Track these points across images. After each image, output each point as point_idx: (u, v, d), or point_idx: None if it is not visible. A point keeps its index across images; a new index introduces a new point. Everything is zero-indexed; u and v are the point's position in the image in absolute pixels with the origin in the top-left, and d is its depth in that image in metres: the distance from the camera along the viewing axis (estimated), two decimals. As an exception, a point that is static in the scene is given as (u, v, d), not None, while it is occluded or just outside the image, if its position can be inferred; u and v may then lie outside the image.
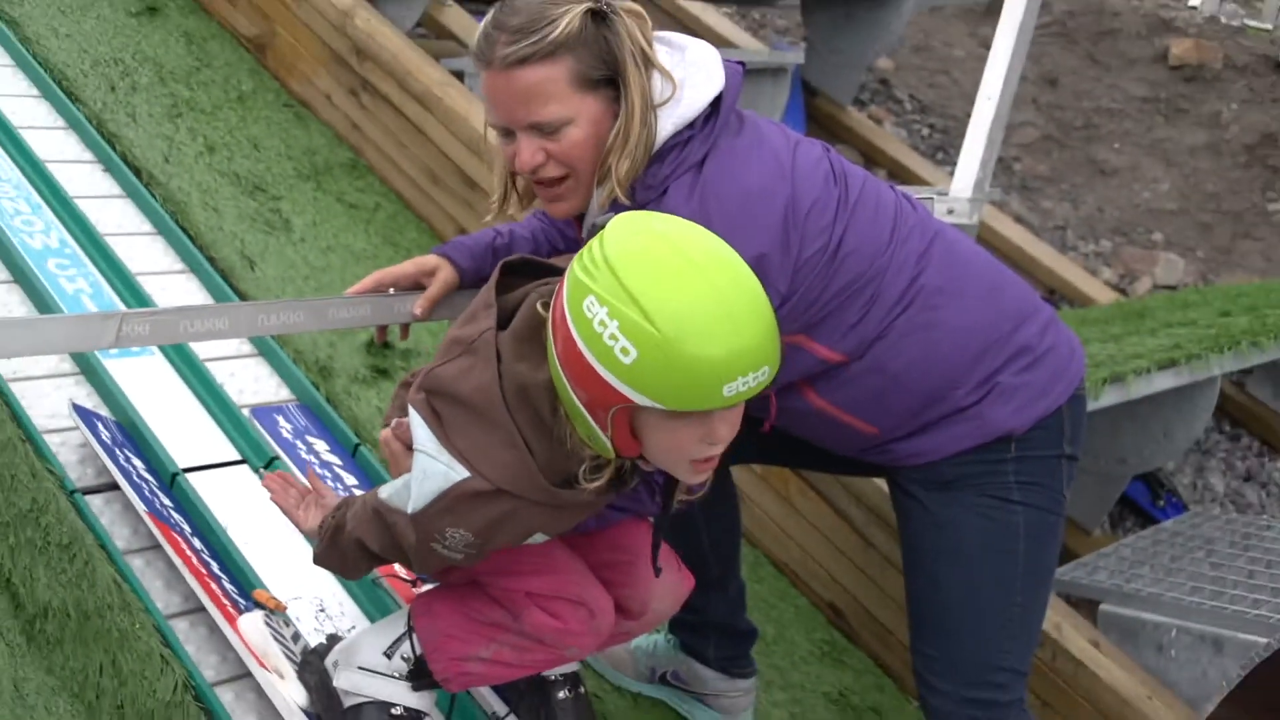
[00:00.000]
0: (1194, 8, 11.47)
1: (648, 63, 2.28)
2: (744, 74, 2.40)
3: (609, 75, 2.27)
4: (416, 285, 2.72)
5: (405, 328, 2.78)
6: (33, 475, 3.06)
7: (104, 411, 3.38)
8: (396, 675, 2.44)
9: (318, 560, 2.47)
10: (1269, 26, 11.04)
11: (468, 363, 2.15)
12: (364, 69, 4.78)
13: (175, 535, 2.92)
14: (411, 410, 2.20)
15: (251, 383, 3.67)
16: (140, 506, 2.95)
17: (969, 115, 4.87)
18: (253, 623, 2.70)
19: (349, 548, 2.35)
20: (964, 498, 2.49)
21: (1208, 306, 5.40)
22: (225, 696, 2.73)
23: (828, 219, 2.33)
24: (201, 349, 3.65)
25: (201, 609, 2.88)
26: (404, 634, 2.43)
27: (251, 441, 3.40)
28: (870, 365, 2.41)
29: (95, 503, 3.08)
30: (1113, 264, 8.76)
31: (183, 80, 4.88)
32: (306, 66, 5.00)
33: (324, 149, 4.80)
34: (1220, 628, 3.37)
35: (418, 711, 2.46)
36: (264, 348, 3.78)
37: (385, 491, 2.27)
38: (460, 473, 2.11)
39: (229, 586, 2.87)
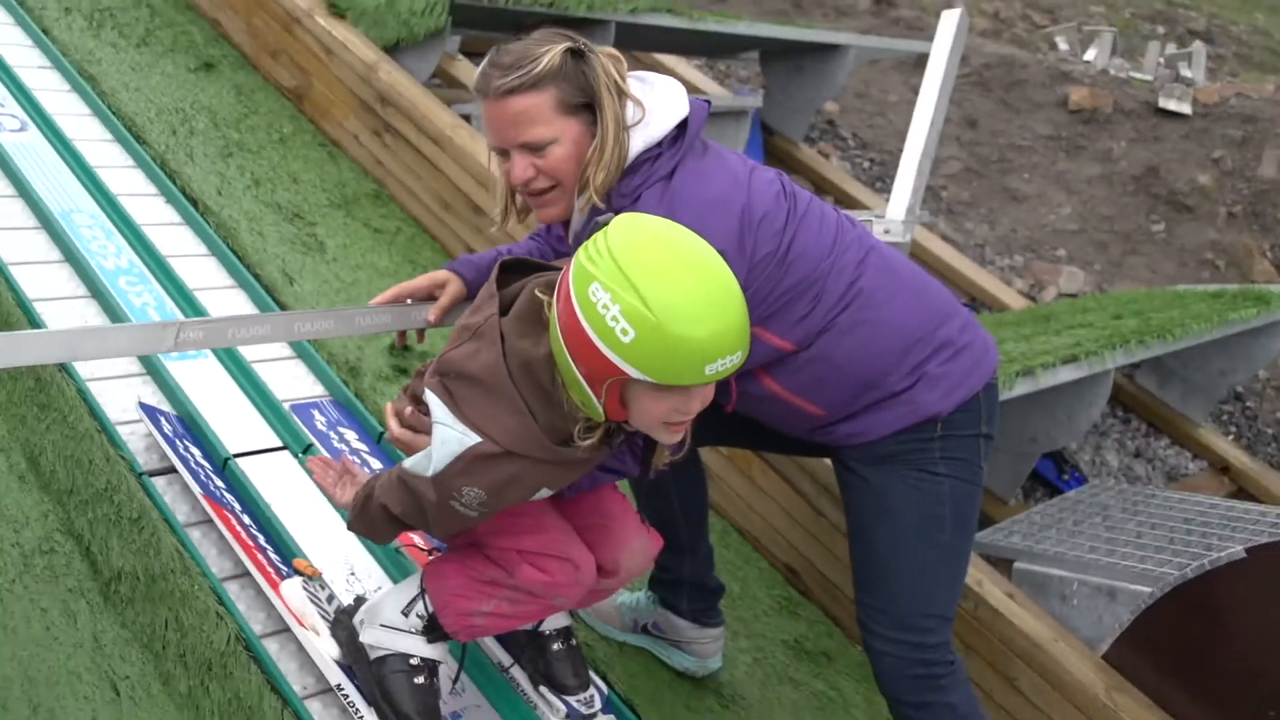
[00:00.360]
0: (1088, 62, 11.53)
1: (621, 92, 2.33)
2: (709, 109, 2.46)
3: (587, 102, 2.32)
4: (430, 296, 2.73)
5: (420, 332, 2.78)
6: (107, 460, 3.07)
7: (166, 407, 3.38)
8: (413, 630, 2.45)
9: (350, 527, 2.49)
10: (1149, 78, 11.15)
11: (475, 345, 2.18)
12: (386, 114, 4.77)
13: (226, 513, 2.94)
14: (427, 391, 2.22)
15: (290, 381, 3.66)
16: (196, 489, 2.97)
17: (902, 151, 4.88)
18: (292, 588, 2.73)
19: (376, 515, 2.37)
20: (897, 471, 2.51)
21: (1103, 311, 5.42)
22: (271, 647, 2.74)
23: (778, 226, 2.37)
24: (248, 352, 3.65)
25: (249, 574, 2.88)
26: (418, 595, 2.45)
27: (291, 430, 3.40)
28: (816, 354, 2.43)
29: (159, 483, 3.09)
30: (1024, 275, 8.78)
31: (233, 125, 4.89)
32: (338, 112, 5.00)
33: (352, 182, 4.80)
34: (1114, 580, 3.37)
35: (433, 660, 2.48)
36: (301, 351, 3.77)
37: (408, 463, 2.28)
38: (473, 438, 2.13)
39: (273, 556, 2.88)
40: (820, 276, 2.40)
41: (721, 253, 2.20)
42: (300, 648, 2.74)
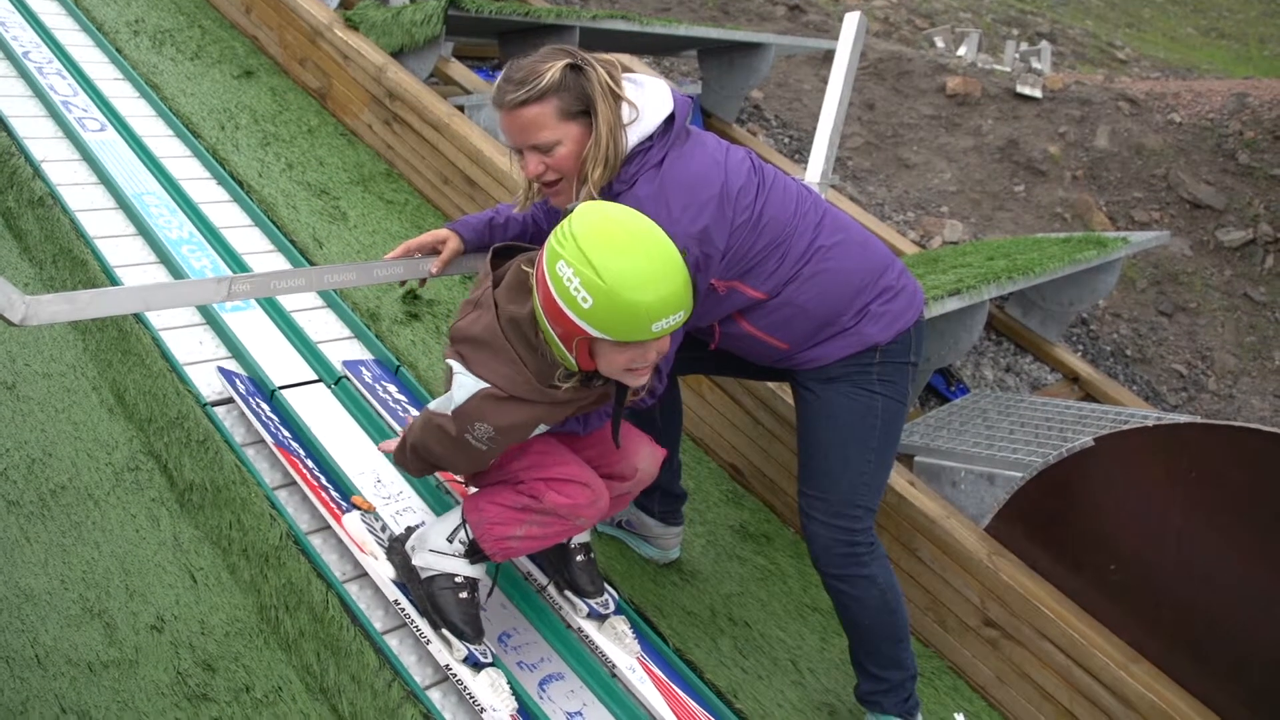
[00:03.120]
0: (960, 56, 11.48)
1: (616, 96, 2.30)
2: (691, 103, 2.47)
3: (585, 109, 2.29)
4: (434, 250, 2.68)
5: (424, 281, 2.73)
6: (177, 394, 3.05)
7: (223, 351, 3.33)
8: (456, 554, 2.44)
9: (394, 461, 2.53)
10: (1008, 69, 11.17)
11: (476, 314, 2.23)
12: (394, 107, 4.69)
13: (295, 459, 2.88)
14: (447, 360, 2.26)
15: (323, 326, 3.62)
16: (269, 439, 2.92)
17: (815, 128, 4.83)
18: (353, 520, 2.70)
19: (409, 452, 2.42)
20: (842, 388, 2.53)
21: (978, 254, 5.42)
22: (315, 542, 2.72)
23: (750, 198, 2.36)
24: (287, 303, 3.60)
25: (293, 482, 2.85)
26: (459, 524, 2.43)
27: (325, 366, 3.35)
28: (784, 301, 2.44)
29: (219, 412, 3.05)
30: (915, 228, 8.78)
31: (269, 120, 4.80)
32: (354, 107, 4.91)
33: (368, 163, 4.72)
34: (992, 468, 3.39)
35: (473, 578, 2.46)
36: (330, 301, 3.73)
37: (433, 405, 2.32)
38: (481, 384, 2.17)
39: (334, 494, 2.83)
40: (786, 237, 2.40)
41: (706, 227, 2.28)
42: (340, 542, 2.72)
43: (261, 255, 3.87)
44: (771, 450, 3.53)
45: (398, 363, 3.45)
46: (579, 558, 2.64)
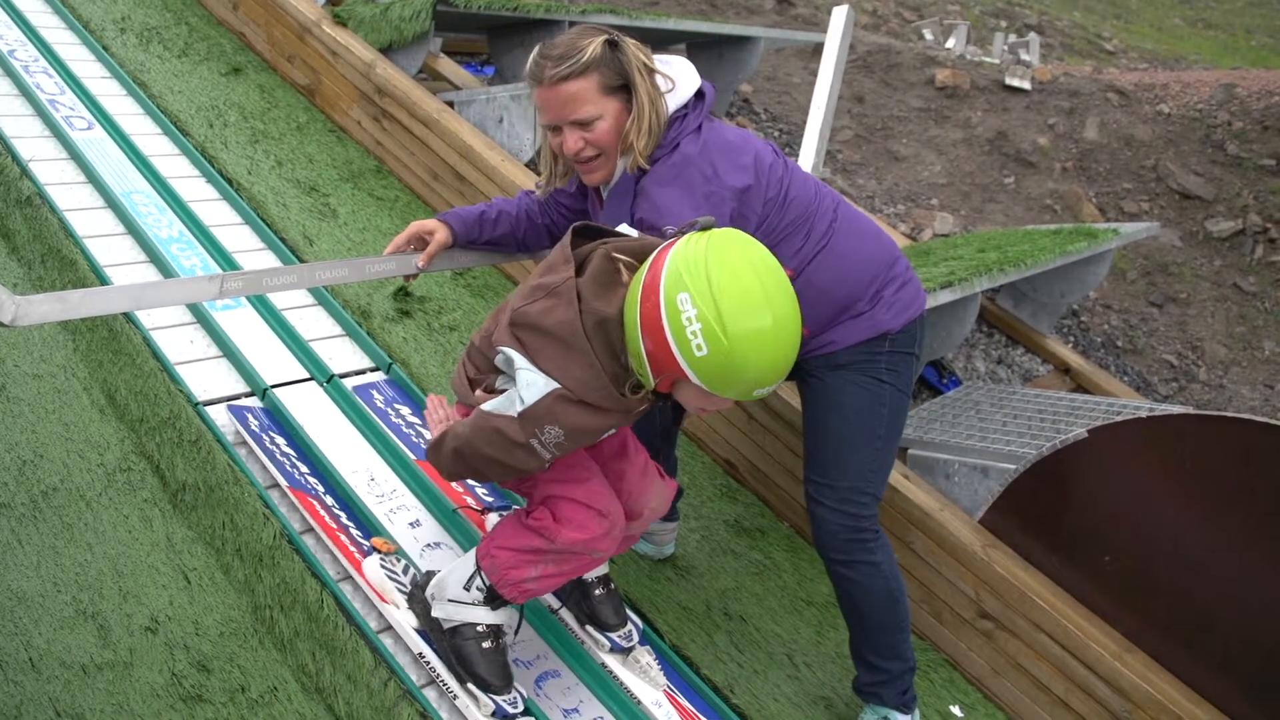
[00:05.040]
0: (949, 49, 11.49)
1: (650, 71, 2.34)
2: (714, 90, 2.50)
3: (623, 83, 2.33)
4: (422, 242, 2.67)
5: (411, 276, 2.69)
6: (169, 394, 3.03)
7: (214, 350, 3.31)
8: (476, 602, 2.32)
9: (427, 456, 2.30)
10: (997, 61, 11.18)
11: (550, 303, 2.03)
12: (383, 103, 4.67)
13: (312, 501, 2.78)
14: (502, 348, 2.08)
15: (314, 324, 3.60)
16: (282, 481, 2.81)
17: (805, 122, 4.82)
18: (372, 566, 2.58)
19: (447, 453, 2.19)
20: (850, 376, 2.54)
21: (969, 247, 5.41)
22: (309, 541, 2.71)
23: (779, 174, 2.42)
24: (279, 302, 3.58)
25: (277, 485, 2.83)
26: (475, 570, 2.31)
27: (317, 364, 3.34)
28: (806, 281, 2.44)
29: (212, 411, 3.03)
30: (906, 220, 8.78)
31: (258, 117, 4.78)
32: (343, 103, 4.89)
33: (357, 160, 4.70)
34: (986, 460, 3.38)
35: (496, 626, 2.35)
36: (322, 298, 3.71)
37: (491, 406, 2.10)
38: (553, 384, 2.00)
39: (355, 534, 2.72)
40: (809, 217, 2.44)
41: (748, 187, 2.31)
42: (324, 542, 2.71)
43: (252, 253, 3.85)
44: (766, 445, 3.53)
45: (390, 360, 3.44)
46: (598, 591, 2.59)
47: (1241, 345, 8.72)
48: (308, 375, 3.31)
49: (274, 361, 3.33)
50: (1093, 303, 8.56)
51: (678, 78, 2.38)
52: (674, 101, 2.36)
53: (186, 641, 2.42)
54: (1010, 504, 3.20)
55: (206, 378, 3.17)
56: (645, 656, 2.62)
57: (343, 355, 3.47)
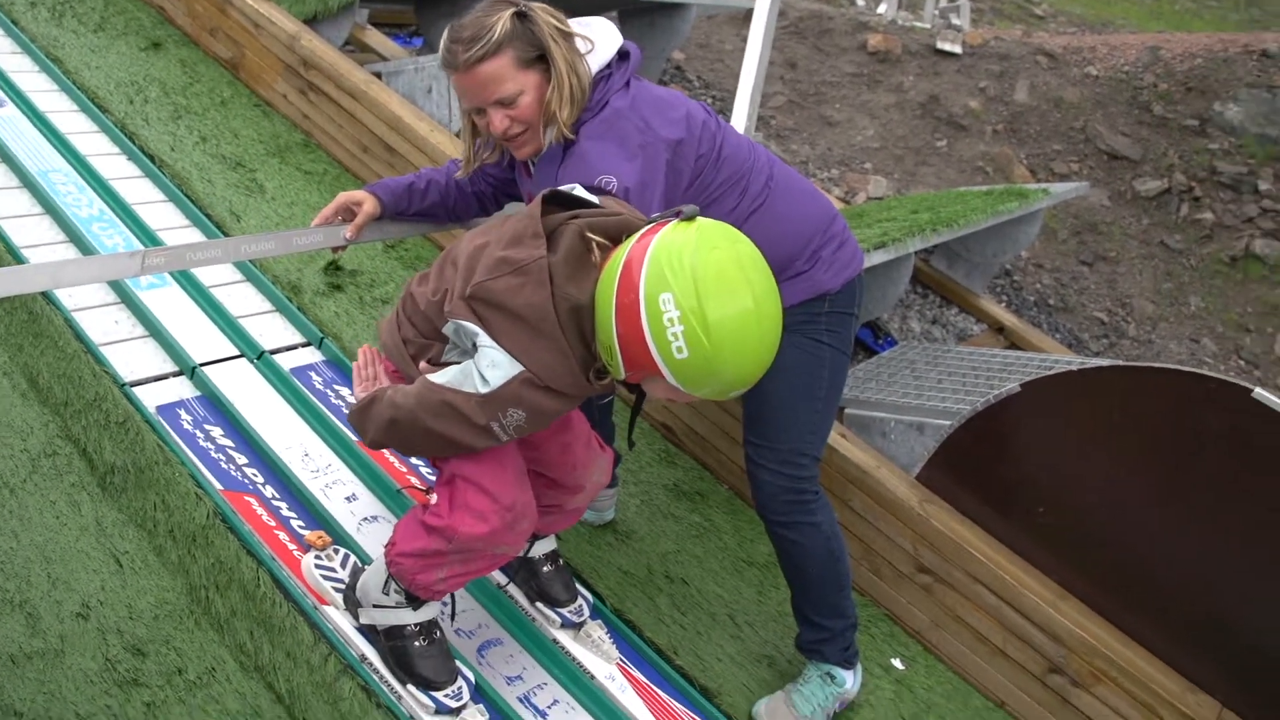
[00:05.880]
0: (880, 14, 11.53)
1: (566, 35, 2.28)
2: (641, 52, 2.47)
3: (539, 54, 2.26)
4: (350, 214, 2.61)
5: (339, 249, 2.64)
6: (94, 376, 2.96)
7: (140, 330, 3.24)
8: (397, 605, 2.28)
9: (349, 418, 2.20)
10: (928, 25, 11.23)
11: (518, 281, 1.91)
12: (309, 75, 4.58)
13: (250, 502, 2.70)
14: (457, 320, 1.98)
15: (243, 300, 3.54)
16: (216, 484, 2.72)
17: (737, 88, 4.81)
18: (308, 566, 2.53)
19: (378, 419, 2.08)
20: (790, 338, 2.46)
21: (903, 209, 5.45)
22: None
23: (712, 131, 2.40)
24: (205, 278, 3.51)
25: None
26: (388, 577, 2.26)
27: (247, 340, 3.28)
28: None
29: (138, 392, 2.97)
30: (840, 184, 8.83)
31: (180, 93, 4.66)
32: (268, 76, 4.79)
33: (284, 134, 4.61)
34: (922, 417, 3.42)
35: (426, 623, 2.31)
36: (250, 274, 3.64)
37: (439, 379, 1.99)
38: (519, 366, 1.91)
39: (295, 527, 2.66)
40: (743, 175, 2.41)
41: (680, 140, 2.27)
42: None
43: (176, 231, 3.77)
44: (703, 408, 3.53)
45: (321, 335, 3.39)
46: (546, 568, 2.57)
47: (1168, 301, 8.89)
48: (238, 352, 3.25)
49: (202, 340, 3.26)
50: (1025, 262, 8.68)
51: (597, 38, 2.32)
52: (595, 61, 2.31)
53: (120, 626, 2.38)
54: (946, 459, 3.23)
55: (133, 358, 3.10)
56: (597, 631, 2.61)
57: (273, 331, 3.42)
